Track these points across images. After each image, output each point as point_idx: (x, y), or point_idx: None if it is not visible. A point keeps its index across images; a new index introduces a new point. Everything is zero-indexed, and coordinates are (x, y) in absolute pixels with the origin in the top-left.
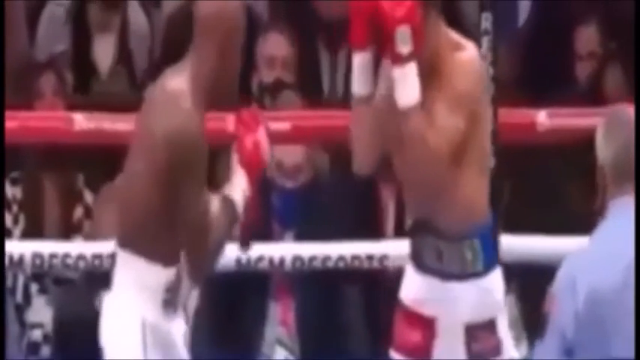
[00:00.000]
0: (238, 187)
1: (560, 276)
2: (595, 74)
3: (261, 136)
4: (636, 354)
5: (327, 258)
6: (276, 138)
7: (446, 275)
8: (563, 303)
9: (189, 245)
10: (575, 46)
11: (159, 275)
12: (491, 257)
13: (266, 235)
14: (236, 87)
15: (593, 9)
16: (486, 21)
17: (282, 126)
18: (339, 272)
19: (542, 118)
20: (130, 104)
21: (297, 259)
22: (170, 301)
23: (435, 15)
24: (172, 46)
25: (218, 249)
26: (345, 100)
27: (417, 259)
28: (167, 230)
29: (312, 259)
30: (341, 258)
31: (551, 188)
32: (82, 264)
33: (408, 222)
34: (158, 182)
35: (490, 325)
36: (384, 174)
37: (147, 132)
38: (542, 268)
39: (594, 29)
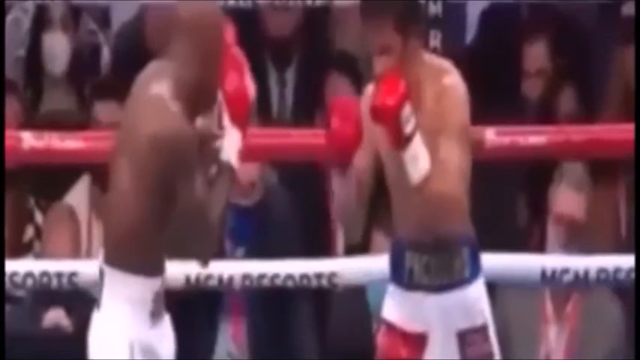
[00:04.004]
0: (232, 147)
1: None
2: (545, 91)
3: (247, 76)
4: (636, 354)
5: (275, 276)
6: None
7: (434, 288)
8: None
9: (193, 233)
10: (524, 63)
11: (147, 288)
12: (476, 265)
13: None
14: (217, 93)
15: (542, 26)
16: (435, 39)
17: None
18: (293, 289)
19: (491, 135)
20: (78, 122)
21: (245, 277)
22: (157, 310)
23: (415, 43)
24: (121, 63)
25: (221, 217)
26: (293, 117)
27: (403, 277)
28: (155, 239)
29: (261, 277)
30: (289, 276)
31: (498, 205)
32: (30, 282)
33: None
34: (150, 189)
35: (483, 330)
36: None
37: (134, 141)
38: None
39: (543, 46)
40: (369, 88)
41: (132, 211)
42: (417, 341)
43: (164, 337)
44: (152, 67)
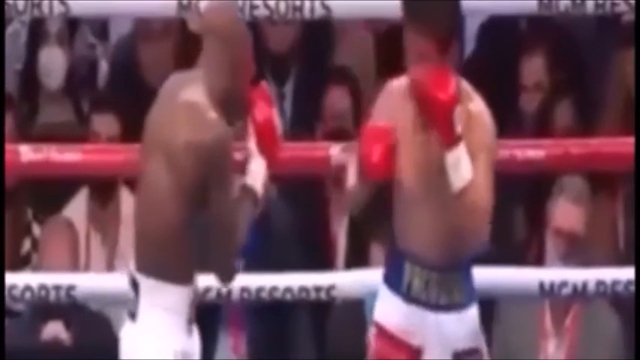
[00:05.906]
0: (258, 174)
1: None
2: (542, 105)
3: (275, 110)
4: (636, 354)
5: (274, 289)
6: None
7: (432, 306)
8: None
9: (217, 249)
10: (522, 77)
11: (184, 296)
12: (472, 290)
13: None
14: (245, 105)
15: (539, 39)
16: None
17: None
18: (293, 302)
19: None
20: (76, 134)
21: (244, 290)
22: (191, 318)
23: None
24: (119, 75)
25: (241, 240)
26: (291, 131)
27: (401, 287)
28: (187, 247)
29: (259, 289)
30: (288, 289)
31: (496, 219)
32: (28, 295)
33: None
34: (187, 196)
35: (478, 353)
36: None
37: (171, 147)
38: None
39: (541, 59)
40: (393, 84)
41: (168, 218)
42: (414, 353)
43: (197, 345)
44: (180, 76)
